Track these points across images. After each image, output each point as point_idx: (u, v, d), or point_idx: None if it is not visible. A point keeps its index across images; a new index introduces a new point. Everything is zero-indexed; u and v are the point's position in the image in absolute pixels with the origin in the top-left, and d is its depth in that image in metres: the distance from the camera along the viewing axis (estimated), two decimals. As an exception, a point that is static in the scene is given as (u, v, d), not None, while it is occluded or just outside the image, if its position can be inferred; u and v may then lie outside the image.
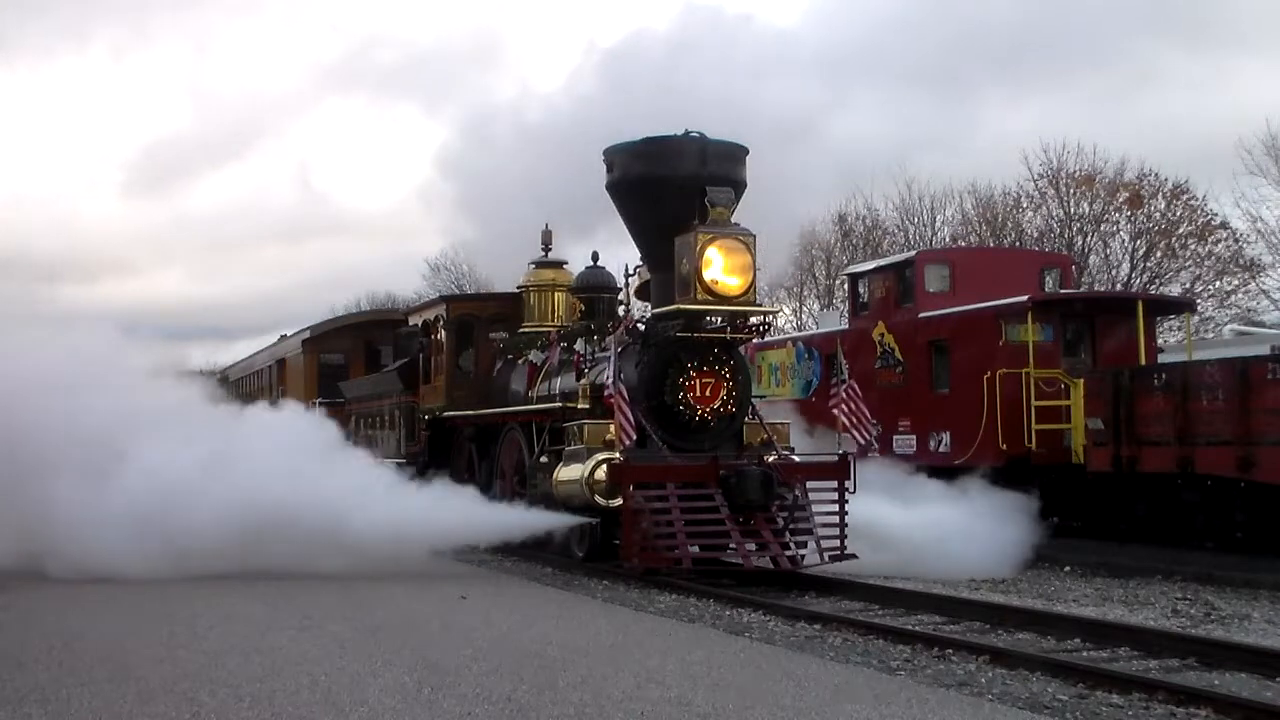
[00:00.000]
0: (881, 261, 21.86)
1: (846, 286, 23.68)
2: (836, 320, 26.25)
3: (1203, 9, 47.53)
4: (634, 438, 13.08)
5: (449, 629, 9.96)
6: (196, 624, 10.28)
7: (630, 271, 15.05)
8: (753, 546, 12.91)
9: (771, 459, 13.54)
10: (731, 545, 13.03)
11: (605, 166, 14.37)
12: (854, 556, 13.14)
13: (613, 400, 13.13)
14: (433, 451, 18.63)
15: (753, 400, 14.71)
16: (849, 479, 13.53)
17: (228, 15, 77.55)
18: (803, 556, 13.03)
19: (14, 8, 68.53)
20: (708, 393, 13.85)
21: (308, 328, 26.46)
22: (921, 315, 18.84)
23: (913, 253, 23.57)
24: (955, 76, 49.74)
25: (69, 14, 75.73)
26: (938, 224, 40.79)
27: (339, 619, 10.53)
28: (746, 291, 13.59)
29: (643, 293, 14.89)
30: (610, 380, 13.31)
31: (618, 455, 13.09)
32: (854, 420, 14.28)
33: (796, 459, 14.07)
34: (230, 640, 9.42)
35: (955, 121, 49.35)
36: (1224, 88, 47.61)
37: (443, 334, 18.50)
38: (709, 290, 13.38)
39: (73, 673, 8.18)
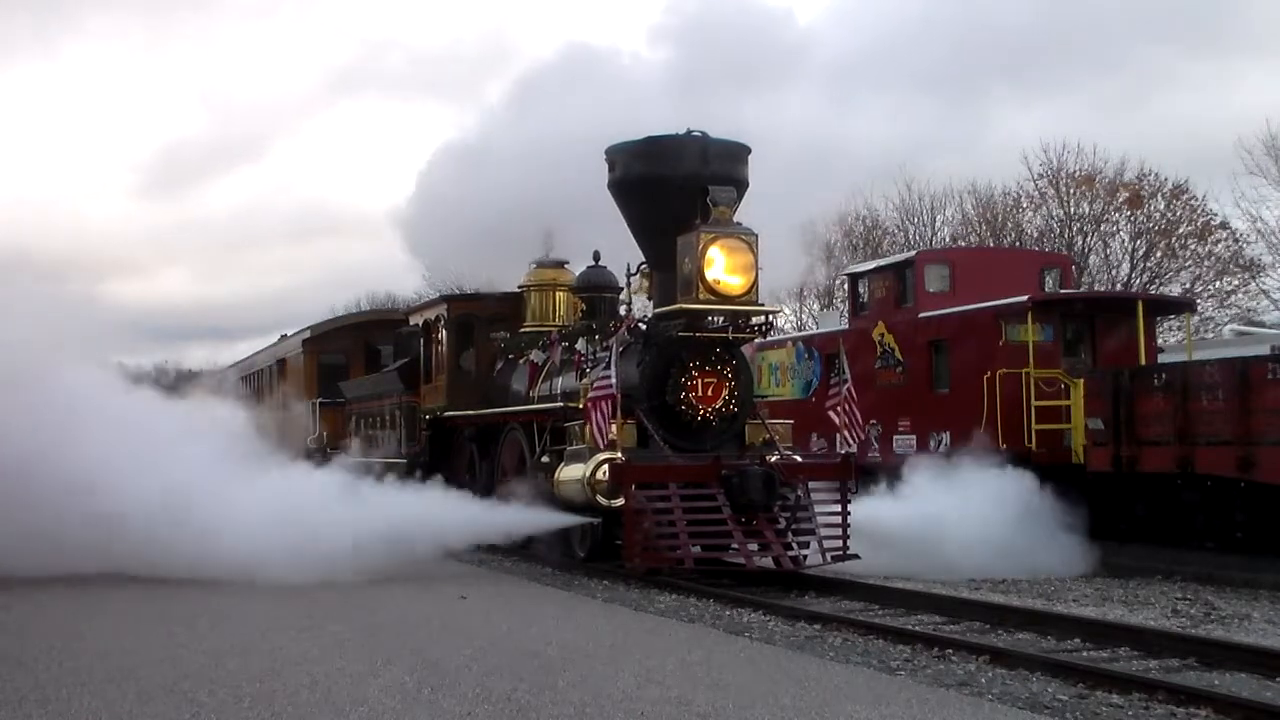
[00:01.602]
0: (881, 261, 21.85)
1: (846, 286, 23.67)
2: (836, 320, 26.25)
3: (1212, 13, 47.50)
4: (606, 442, 12.99)
5: (449, 629, 9.96)
6: (196, 624, 10.29)
7: (632, 271, 14.99)
8: (755, 547, 12.88)
9: (774, 459, 13.49)
10: (733, 545, 12.99)
11: (607, 166, 14.33)
12: (856, 557, 13.13)
13: (591, 402, 13.05)
14: (433, 452, 18.56)
15: (755, 400, 14.67)
16: (851, 479, 13.49)
17: (239, 19, 77.63)
18: (805, 557, 13.00)
19: (30, 10, 68.61)
20: (709, 392, 13.81)
21: (308, 327, 26.43)
22: (921, 315, 18.83)
23: (913, 253, 23.56)
24: (965, 81, 49.60)
25: (83, 17, 75.74)
26: (938, 224, 40.85)
27: (339, 619, 10.54)
28: (749, 291, 13.54)
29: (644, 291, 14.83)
30: (594, 381, 13.24)
31: (619, 455, 13.04)
32: (848, 422, 14.28)
33: (799, 459, 14.04)
34: (230, 640, 9.42)
35: (966, 126, 49.17)
36: (1231, 91, 47.62)
37: (443, 334, 18.44)
38: (711, 290, 13.34)
39: (73, 673, 8.18)
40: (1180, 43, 48.90)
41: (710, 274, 13.31)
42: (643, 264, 14.71)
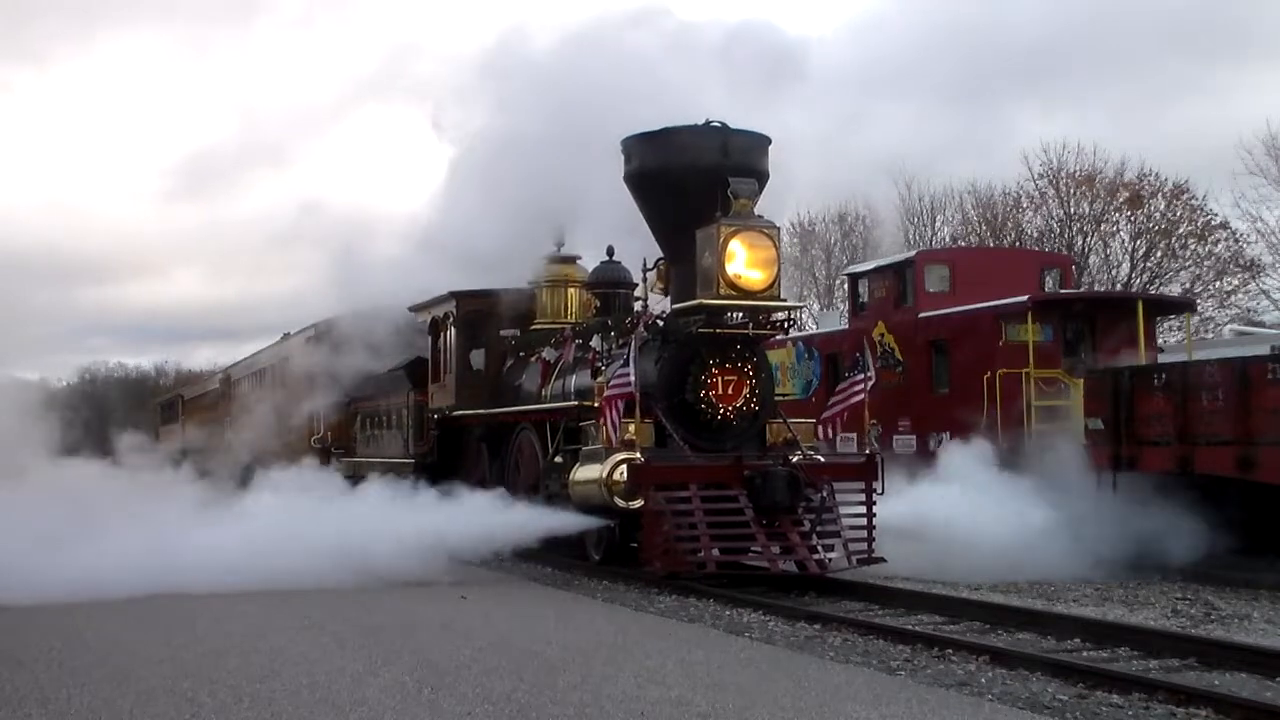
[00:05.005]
0: (881, 261, 21.84)
1: (846, 286, 23.67)
2: (836, 320, 26.25)
3: (1224, 20, 47.55)
4: (620, 441, 12.75)
5: (449, 629, 9.97)
6: (196, 624, 10.30)
7: (649, 266, 14.56)
8: (778, 550, 12.57)
9: (796, 459, 13.22)
10: (756, 548, 12.69)
11: (623, 157, 14.06)
12: (882, 560, 12.82)
13: (606, 400, 12.78)
14: (442, 452, 18.29)
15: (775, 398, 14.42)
16: (877, 479, 13.16)
17: (278, 29, 77.43)
18: (830, 560, 12.69)
19: (56, 14, 68.51)
20: (730, 390, 13.44)
21: (312, 325, 26.32)
22: (921, 315, 18.84)
23: (913, 253, 23.55)
24: (983, 90, 49.66)
25: (121, 26, 75.81)
26: (938, 224, 40.88)
27: (339, 619, 10.54)
28: (770, 286, 13.19)
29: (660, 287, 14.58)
30: (610, 378, 13.05)
31: (638, 455, 12.73)
32: (830, 416, 14.12)
33: (821, 459, 13.73)
34: (230, 640, 9.43)
35: (984, 133, 49.10)
36: (1237, 94, 47.66)
37: (452, 331, 18.17)
38: (732, 285, 12.96)
39: (73, 673, 8.19)
40: (1190, 49, 49.00)
41: (731, 268, 12.93)
42: (660, 259, 14.35)
